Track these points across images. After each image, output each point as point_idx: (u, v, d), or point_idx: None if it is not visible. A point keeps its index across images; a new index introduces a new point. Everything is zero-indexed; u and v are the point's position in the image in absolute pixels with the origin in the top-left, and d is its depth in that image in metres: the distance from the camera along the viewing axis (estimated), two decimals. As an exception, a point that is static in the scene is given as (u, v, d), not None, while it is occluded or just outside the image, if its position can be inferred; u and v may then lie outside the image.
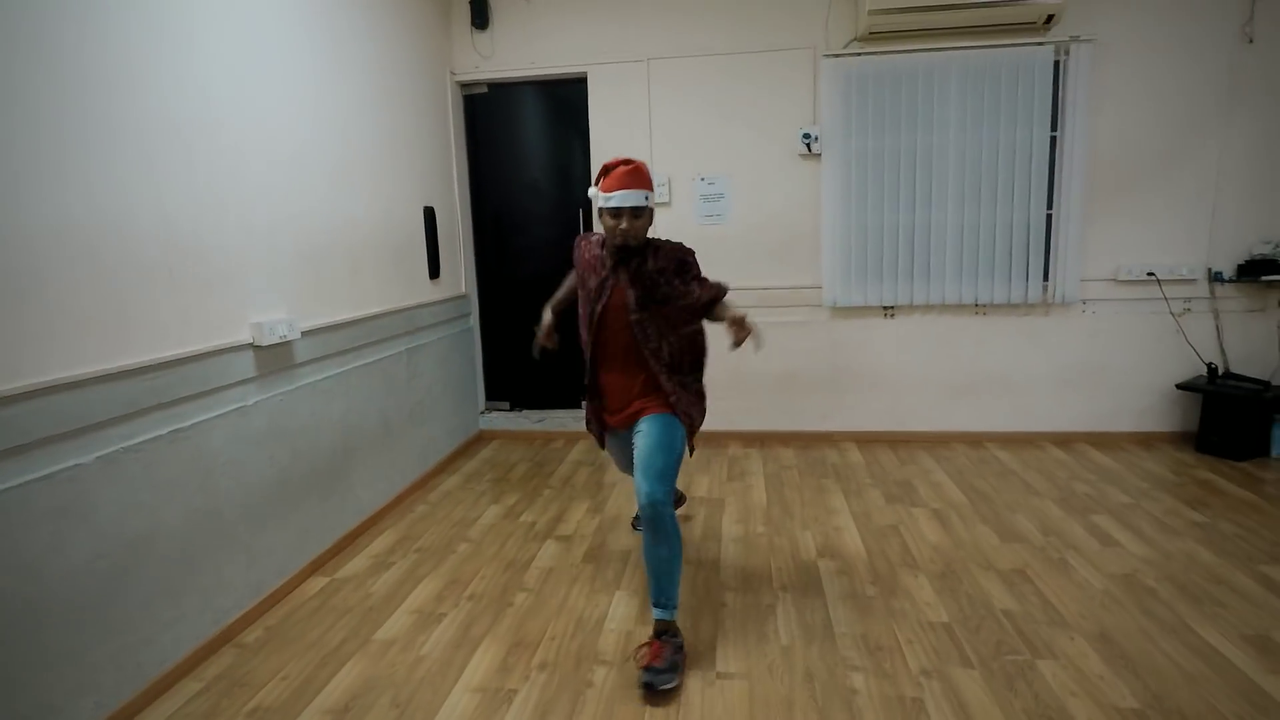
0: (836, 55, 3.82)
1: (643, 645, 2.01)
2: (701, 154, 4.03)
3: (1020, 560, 2.58)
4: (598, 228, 4.03)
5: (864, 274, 3.98)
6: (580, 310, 2.27)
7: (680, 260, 2.15)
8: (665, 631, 2.02)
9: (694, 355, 2.28)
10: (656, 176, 4.06)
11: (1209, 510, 2.97)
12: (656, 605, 2.03)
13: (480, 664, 2.07)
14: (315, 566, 2.69)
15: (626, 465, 2.46)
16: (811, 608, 2.31)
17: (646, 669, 1.91)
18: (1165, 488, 3.24)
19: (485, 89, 4.24)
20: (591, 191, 2.12)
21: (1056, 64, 3.69)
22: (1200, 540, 2.69)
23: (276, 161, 2.52)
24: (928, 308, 3.99)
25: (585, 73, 4.05)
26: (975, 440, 4.02)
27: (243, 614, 2.30)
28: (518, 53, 4.08)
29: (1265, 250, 3.65)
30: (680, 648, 2.01)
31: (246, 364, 2.34)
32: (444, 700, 1.91)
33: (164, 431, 2.01)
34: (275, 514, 2.48)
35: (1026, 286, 3.85)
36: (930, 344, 4.01)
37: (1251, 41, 3.57)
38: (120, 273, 1.88)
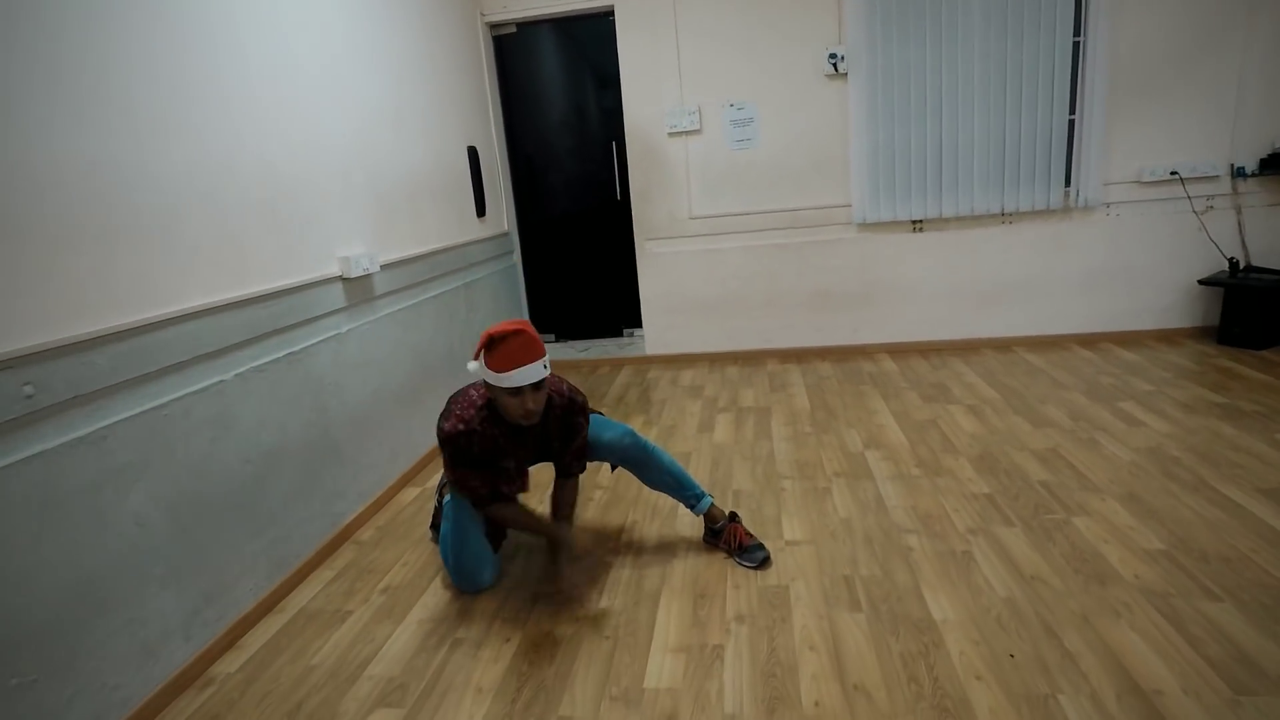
0: (860, -28, 3.86)
1: (721, 538, 2.20)
2: (730, 81, 4.13)
3: (1052, 442, 2.80)
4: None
5: (892, 190, 4.11)
6: (498, 509, 2.09)
7: (569, 426, 2.09)
8: (721, 516, 2.22)
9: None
10: (686, 106, 4.18)
11: (1229, 393, 3.16)
12: (695, 503, 2.22)
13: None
14: (406, 479, 2.97)
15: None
16: (863, 489, 2.56)
17: (752, 549, 2.12)
18: (1188, 376, 3.42)
19: (514, 29, 4.33)
20: (473, 366, 1.89)
21: (1080, -33, 3.72)
22: (1220, 417, 2.89)
23: (347, 108, 2.69)
24: (955, 220, 4.12)
25: (612, 5, 4.12)
26: (1003, 345, 4.21)
27: (355, 516, 2.59)
28: (544, -11, 4.15)
29: (1288, 144, 3.72)
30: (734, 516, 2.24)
31: (338, 295, 2.56)
32: (534, 564, 2.19)
33: (281, 354, 2.25)
34: (371, 432, 2.74)
35: (1049, 192, 3.97)
36: (958, 255, 4.16)
37: (1277, -68, 3.58)
38: (235, 211, 2.09)
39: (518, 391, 1.83)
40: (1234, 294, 3.80)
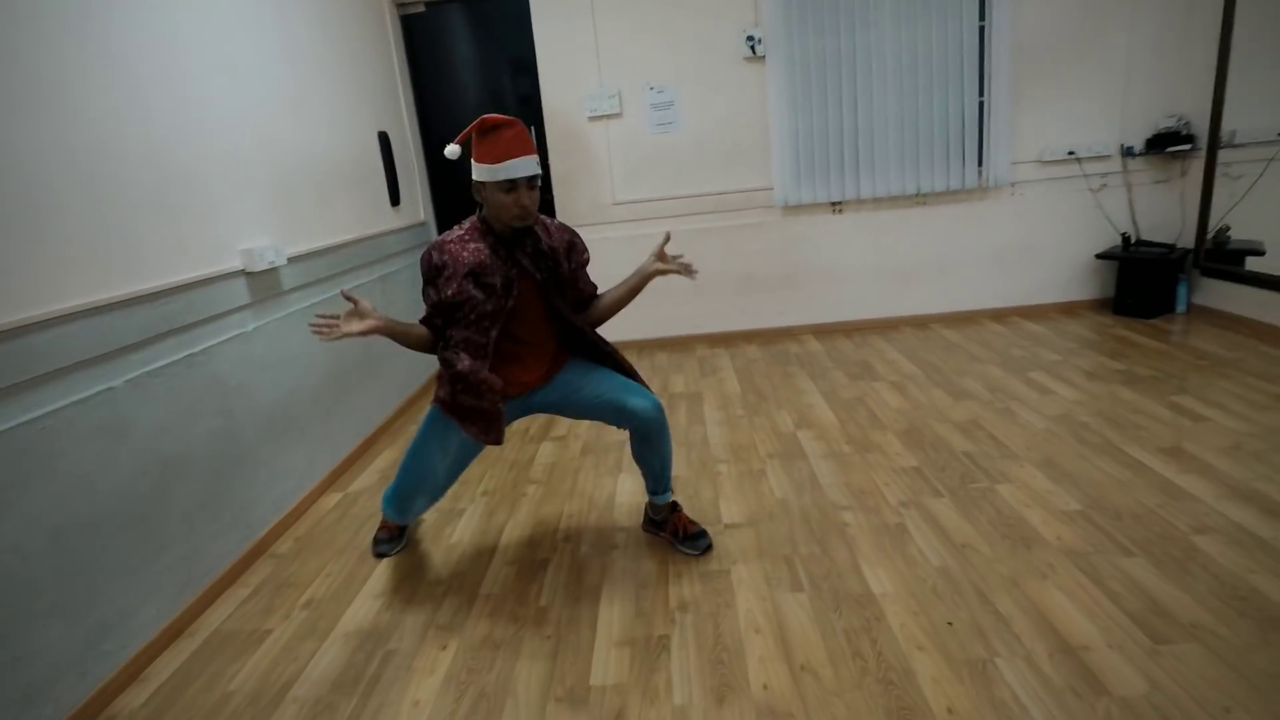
0: (774, -45, 3.87)
1: (664, 527, 2.17)
2: (650, 63, 4.08)
3: (972, 413, 2.90)
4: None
5: (812, 172, 4.17)
6: (468, 333, 1.85)
7: (569, 241, 1.94)
8: (676, 508, 2.17)
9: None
10: (606, 89, 4.10)
11: (1127, 360, 3.36)
12: (662, 492, 2.12)
13: (509, 543, 2.27)
14: (327, 484, 2.81)
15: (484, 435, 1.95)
16: (797, 468, 2.58)
17: (695, 537, 2.08)
18: (1089, 346, 3.62)
19: (422, 7, 4.13)
20: (450, 150, 1.77)
21: (982, -46, 3.85)
22: (1121, 383, 3.07)
23: (240, 88, 2.48)
24: (873, 201, 4.22)
25: (525, -15, 4.00)
26: (921, 322, 4.35)
27: (270, 528, 2.42)
28: (453, -34, 3.98)
29: (1170, 124, 3.98)
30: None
31: (241, 290, 2.38)
32: (485, 572, 2.11)
33: (180, 356, 2.06)
34: (285, 435, 2.57)
35: (963, 173, 4.11)
36: (876, 235, 4.26)
37: (1156, -76, 3.79)
38: (120, 200, 1.89)
39: (512, 185, 1.71)
40: (1127, 267, 4.05)
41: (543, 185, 4.48)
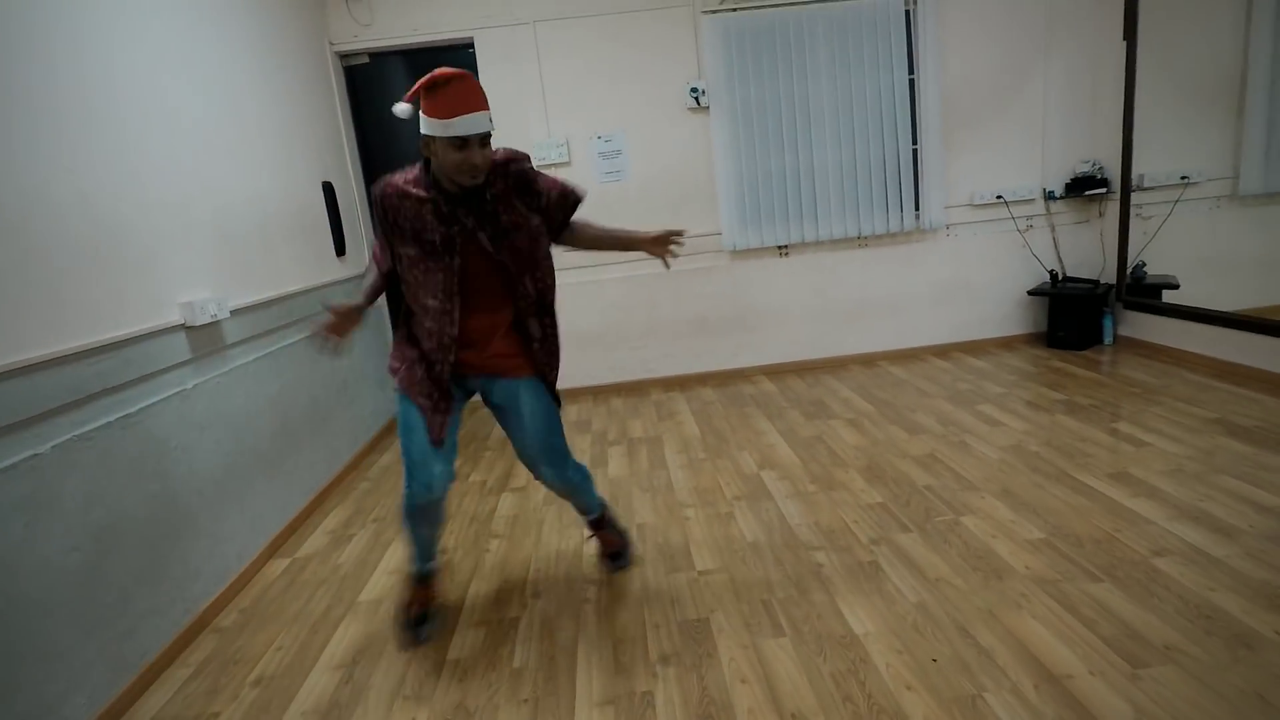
0: (714, 12, 4.03)
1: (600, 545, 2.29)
2: (597, 113, 4.14)
3: (928, 447, 2.96)
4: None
5: (758, 217, 4.27)
6: (414, 275, 1.77)
7: (519, 177, 1.76)
8: (600, 525, 2.24)
9: (551, 287, 1.91)
10: (554, 138, 4.14)
11: (1065, 390, 3.50)
12: (584, 513, 2.21)
13: (476, 602, 2.16)
14: (274, 548, 2.64)
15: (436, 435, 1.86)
16: (765, 510, 2.56)
17: (609, 557, 2.24)
18: (1029, 378, 3.77)
19: (366, 59, 4.12)
20: (400, 108, 1.70)
21: (908, 13, 4.09)
22: (1063, 412, 3.19)
23: (178, 135, 2.40)
24: (816, 244, 4.35)
25: (471, 38, 4.03)
26: (868, 360, 4.46)
27: (213, 600, 2.25)
28: (398, 20, 3.99)
29: (1085, 169, 4.25)
30: (623, 533, 2.29)
31: (181, 346, 2.25)
32: (451, 635, 1.99)
33: (113, 418, 1.92)
34: (228, 498, 2.41)
35: (902, 216, 4.28)
36: (822, 277, 4.38)
37: (1061, -12, 4.12)
38: (50, 253, 1.77)
39: (463, 143, 1.59)
40: (1056, 302, 4.26)
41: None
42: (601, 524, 2.24)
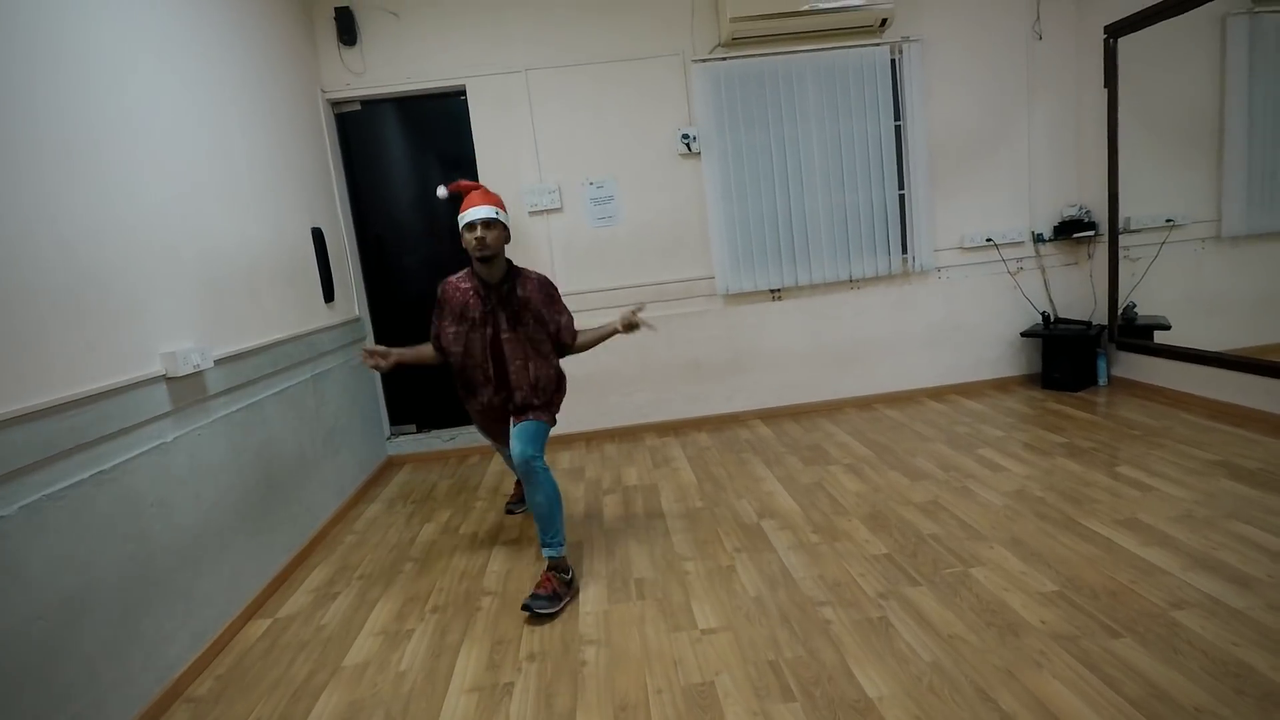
0: (704, 60, 4.09)
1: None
2: (588, 160, 4.16)
3: (931, 494, 2.90)
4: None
5: (750, 261, 4.27)
6: (458, 350, 2.52)
7: (547, 293, 2.53)
8: (555, 568, 2.38)
9: (556, 385, 2.62)
10: (546, 184, 4.14)
11: (1065, 432, 3.47)
12: (544, 545, 2.40)
13: (467, 666, 2.05)
14: (254, 609, 2.51)
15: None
16: (767, 562, 2.48)
17: (532, 596, 2.27)
18: (1027, 420, 3.74)
19: (358, 106, 4.13)
20: (440, 192, 2.53)
21: (893, 61, 4.17)
22: (1065, 455, 3.15)
23: (166, 181, 2.35)
24: (809, 287, 4.34)
25: (463, 86, 4.06)
26: (864, 403, 4.42)
27: (188, 667, 2.12)
28: (391, 68, 4.01)
29: (1072, 212, 4.30)
30: (569, 583, 2.39)
31: (161, 398, 2.17)
32: (441, 706, 1.88)
33: (86, 475, 1.83)
34: (207, 557, 2.30)
35: (890, 259, 4.29)
36: (815, 320, 4.36)
37: (1041, 38, 4.22)
38: (24, 303, 1.70)
39: (472, 226, 2.34)
40: (1050, 344, 4.26)
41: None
42: (559, 567, 2.39)
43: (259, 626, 2.43)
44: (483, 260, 2.38)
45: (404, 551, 2.94)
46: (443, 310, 2.52)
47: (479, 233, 2.33)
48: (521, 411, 2.52)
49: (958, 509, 2.72)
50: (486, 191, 2.41)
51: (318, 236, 3.60)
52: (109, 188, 2.06)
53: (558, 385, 2.63)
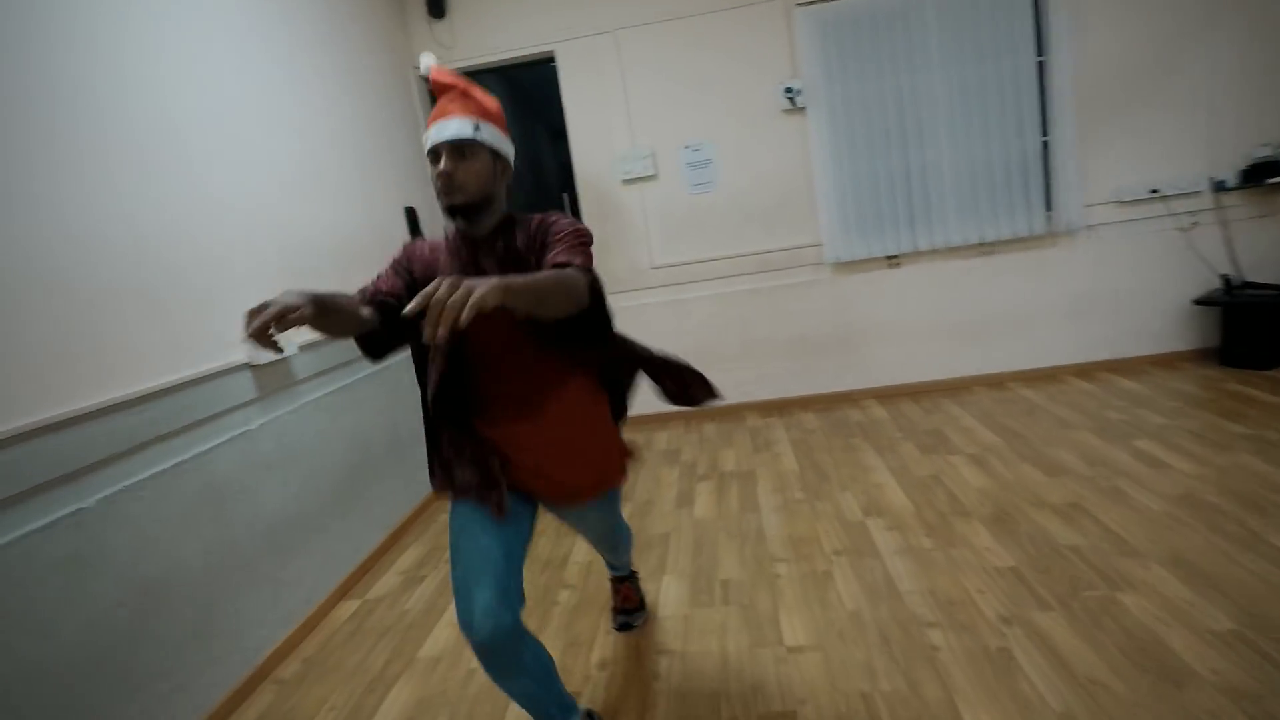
0: (808, 4, 3.69)
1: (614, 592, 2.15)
2: (684, 122, 3.90)
3: (1072, 494, 2.49)
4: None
5: (864, 226, 3.88)
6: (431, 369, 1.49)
7: (549, 224, 1.42)
8: (625, 580, 2.12)
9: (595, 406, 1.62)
10: (639, 150, 3.93)
11: (1249, 421, 2.90)
12: (613, 568, 2.12)
13: (536, 669, 1.96)
14: (344, 590, 2.56)
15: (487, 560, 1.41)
16: (869, 569, 2.21)
17: (623, 613, 2.08)
18: (1199, 405, 3.16)
19: (452, 81, 4.07)
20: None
21: (1037, -13, 3.59)
22: (1250, 451, 2.62)
23: (248, 170, 2.37)
24: (932, 252, 3.89)
25: (552, 52, 3.90)
26: (996, 381, 3.94)
27: (275, 648, 2.17)
28: (480, 39, 3.92)
29: (1265, 153, 3.56)
30: (643, 597, 2.16)
31: (246, 386, 2.20)
32: (505, 712, 1.80)
33: (168, 465, 1.87)
34: (296, 540, 2.34)
35: (1030, 218, 3.76)
36: (939, 289, 3.91)
37: (1231, -58, 3.48)
38: (101, 300, 1.73)
39: (435, 155, 1.37)
40: (1232, 312, 3.59)
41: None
42: (627, 580, 2.14)
43: (348, 608, 2.47)
44: (453, 212, 1.39)
45: (491, 535, 2.90)
46: (402, 270, 1.47)
47: (444, 165, 1.35)
48: (593, 466, 1.62)
49: (1105, 515, 2.31)
50: (468, 93, 1.40)
51: (411, 215, 3.60)
52: (189, 182, 2.07)
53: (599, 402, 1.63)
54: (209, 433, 2.03)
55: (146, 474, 1.80)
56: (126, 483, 1.74)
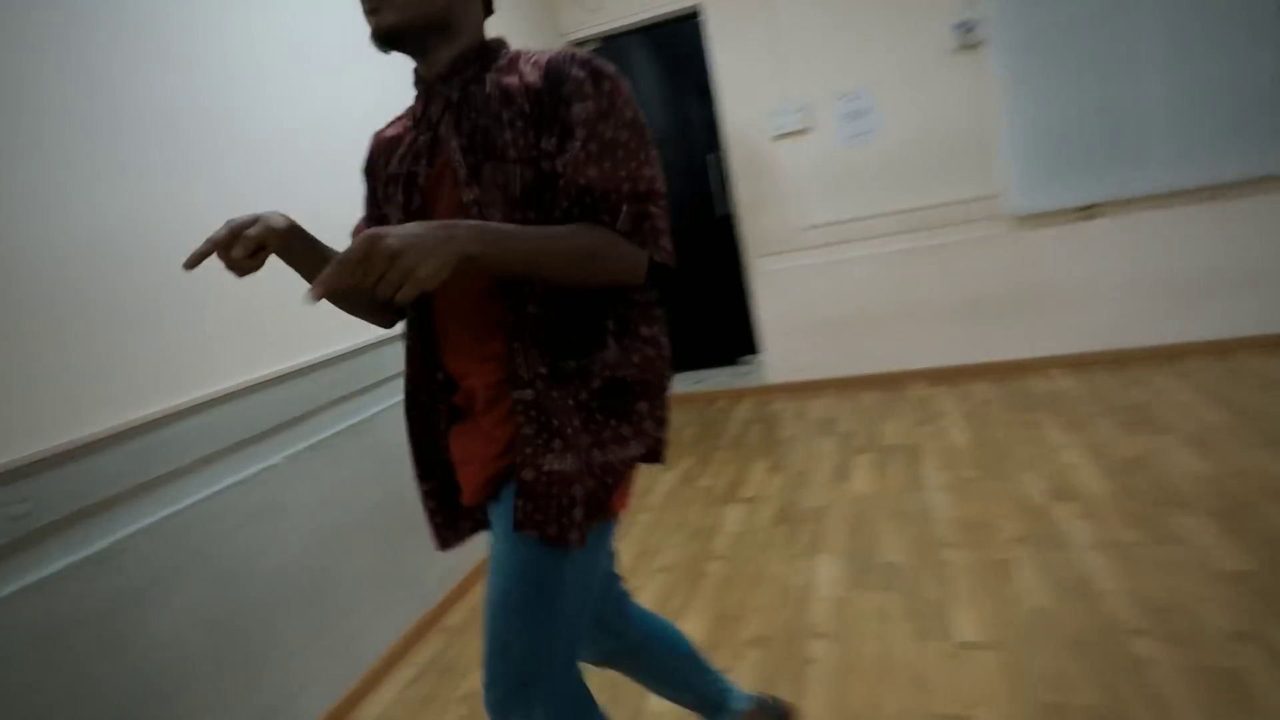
0: (994, -81, 3.25)
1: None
2: (839, 70, 3.61)
3: (1327, 486, 2.06)
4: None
5: (1053, 172, 3.41)
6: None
7: (555, 78, 0.92)
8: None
9: (600, 317, 1.00)
10: (790, 103, 3.69)
11: None
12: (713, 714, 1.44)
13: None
14: (502, 548, 2.68)
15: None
16: (1057, 562, 1.95)
17: None
18: None
19: (599, 44, 4.04)
20: None
21: None
22: None
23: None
24: (1140, 200, 3.35)
25: (696, 6, 3.74)
26: (1221, 349, 3.35)
27: (444, 597, 2.31)
28: (626, 0, 3.84)
29: None
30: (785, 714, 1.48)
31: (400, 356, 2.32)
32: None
33: (341, 427, 2.01)
34: (458, 499, 2.47)
35: (1269, 155, 3.12)
36: (1147, 242, 3.37)
37: None
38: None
39: None
40: None
41: (721, 215, 4.23)
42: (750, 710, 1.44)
43: (506, 565, 2.58)
44: (385, 39, 0.93)
45: (643, 499, 2.91)
46: (371, 187, 1.13)
47: None
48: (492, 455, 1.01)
49: (1376, 514, 1.89)
50: None
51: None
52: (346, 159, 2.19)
53: (604, 332, 1.00)
54: (376, 397, 2.17)
55: (326, 434, 1.94)
56: (309, 441, 1.89)
